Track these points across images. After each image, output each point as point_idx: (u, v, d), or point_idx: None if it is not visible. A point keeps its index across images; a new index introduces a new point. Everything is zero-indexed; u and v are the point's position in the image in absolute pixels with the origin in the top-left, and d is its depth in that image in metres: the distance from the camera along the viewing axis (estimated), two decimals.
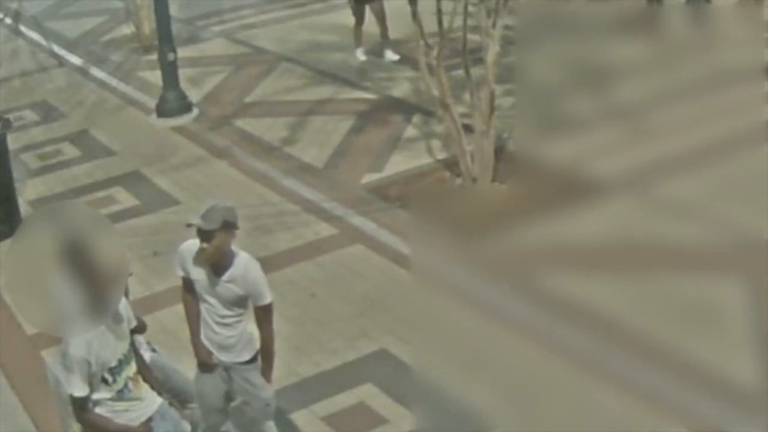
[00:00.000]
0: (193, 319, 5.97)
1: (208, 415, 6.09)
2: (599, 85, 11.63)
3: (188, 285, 5.91)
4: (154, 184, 10.62)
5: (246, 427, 6.22)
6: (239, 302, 5.83)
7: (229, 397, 6.12)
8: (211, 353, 5.94)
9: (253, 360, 5.99)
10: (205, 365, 5.97)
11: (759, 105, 10.67)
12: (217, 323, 5.87)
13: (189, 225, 5.64)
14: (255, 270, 5.78)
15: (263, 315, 5.87)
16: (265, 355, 5.98)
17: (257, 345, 5.96)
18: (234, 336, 5.90)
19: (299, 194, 10.03)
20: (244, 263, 5.76)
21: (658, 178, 9.42)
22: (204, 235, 5.61)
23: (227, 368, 5.99)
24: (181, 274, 5.91)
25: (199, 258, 5.74)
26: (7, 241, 8.56)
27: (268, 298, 5.83)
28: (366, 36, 14.75)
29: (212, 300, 5.81)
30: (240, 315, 5.88)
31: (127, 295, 5.77)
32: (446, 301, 7.90)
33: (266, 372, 6.03)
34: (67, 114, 13.03)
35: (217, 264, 5.72)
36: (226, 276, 5.73)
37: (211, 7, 17.17)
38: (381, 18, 13.64)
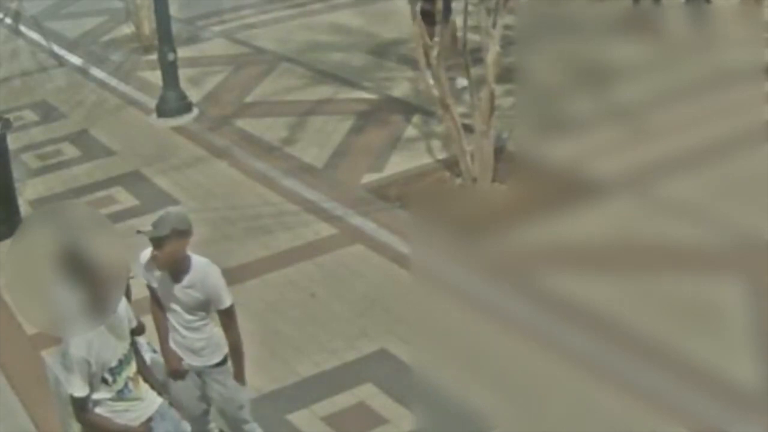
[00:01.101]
0: (161, 326, 5.98)
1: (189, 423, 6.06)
2: (599, 85, 11.63)
3: (153, 293, 5.93)
4: (154, 184, 10.62)
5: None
6: (201, 306, 5.82)
7: (205, 401, 6.10)
8: (180, 359, 5.94)
9: (223, 362, 5.97)
10: (176, 372, 5.97)
11: (759, 105, 10.67)
12: (185, 328, 5.87)
13: (139, 232, 5.63)
14: (214, 275, 5.77)
15: (226, 318, 5.87)
16: (234, 358, 5.97)
17: (226, 348, 5.95)
18: (203, 339, 5.91)
19: (299, 194, 10.03)
20: (203, 268, 5.76)
21: (658, 178, 9.42)
22: (154, 242, 5.60)
23: (199, 373, 5.99)
24: (145, 282, 5.93)
25: (153, 265, 5.75)
26: (7, 241, 8.56)
27: (227, 302, 5.81)
28: (367, 36, 14.78)
29: (175, 306, 5.81)
30: (204, 318, 5.89)
31: (129, 296, 5.77)
32: (446, 301, 7.90)
33: (238, 374, 6.00)
34: (67, 114, 13.04)
35: (174, 270, 5.71)
36: (184, 281, 5.72)
37: (211, 7, 17.17)
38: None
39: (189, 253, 5.74)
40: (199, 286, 5.73)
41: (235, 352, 5.96)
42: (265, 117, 12.15)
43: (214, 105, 12.75)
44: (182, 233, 5.63)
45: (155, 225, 5.59)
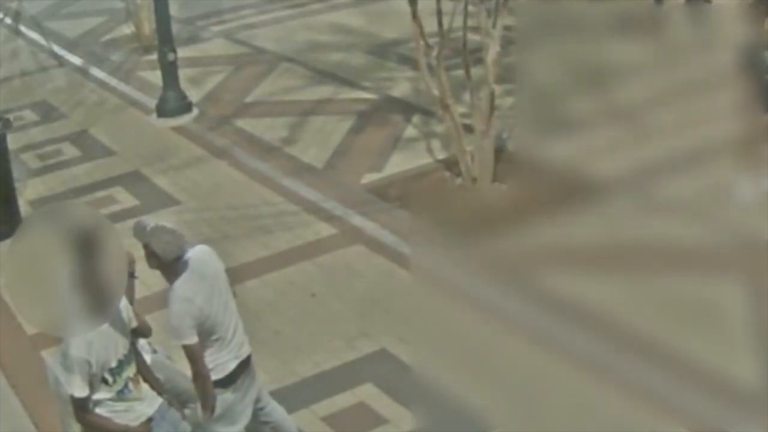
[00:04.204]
0: None
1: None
2: (599, 85, 11.62)
3: None
4: (154, 184, 10.63)
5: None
6: None
7: None
8: None
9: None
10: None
11: None
12: None
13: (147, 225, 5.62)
14: (172, 307, 5.51)
15: (185, 353, 5.63)
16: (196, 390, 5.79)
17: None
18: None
19: (299, 194, 10.04)
20: (172, 294, 5.53)
21: (658, 178, 9.42)
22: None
23: None
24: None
25: None
26: (7, 241, 8.56)
27: (176, 340, 5.57)
28: (367, 36, 14.77)
29: None
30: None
31: (132, 296, 5.76)
32: (446, 301, 7.90)
33: (201, 404, 5.80)
34: (67, 114, 13.05)
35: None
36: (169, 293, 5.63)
37: (211, 7, 17.18)
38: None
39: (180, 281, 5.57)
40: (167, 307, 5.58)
41: (196, 386, 5.75)
42: (265, 117, 12.15)
43: (214, 105, 12.75)
44: (149, 250, 5.54)
45: (145, 230, 5.57)
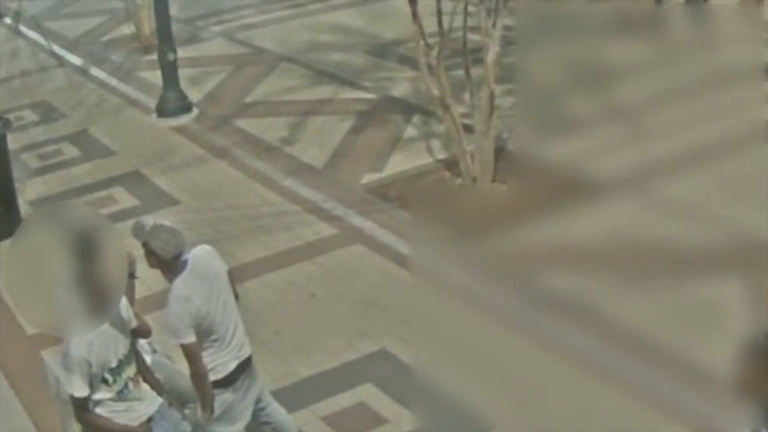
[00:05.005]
0: None
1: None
2: (599, 85, 11.63)
3: None
4: (154, 184, 10.63)
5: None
6: None
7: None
8: None
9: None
10: None
11: (759, 105, 10.67)
12: None
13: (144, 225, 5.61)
14: (170, 306, 5.49)
15: (183, 353, 5.60)
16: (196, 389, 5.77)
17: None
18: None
19: (299, 194, 10.03)
20: (172, 293, 5.51)
21: (658, 178, 9.43)
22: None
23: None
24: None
25: None
26: (7, 241, 8.57)
27: (174, 339, 5.56)
28: (367, 36, 14.77)
29: None
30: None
31: (132, 296, 5.76)
32: (446, 301, 7.90)
33: (200, 404, 5.78)
34: (67, 114, 13.05)
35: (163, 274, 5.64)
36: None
37: (211, 7, 17.19)
38: None
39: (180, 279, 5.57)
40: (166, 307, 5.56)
41: (194, 386, 5.73)
42: (265, 117, 12.15)
43: (214, 105, 12.75)
44: (148, 248, 5.53)
45: (144, 229, 5.56)
